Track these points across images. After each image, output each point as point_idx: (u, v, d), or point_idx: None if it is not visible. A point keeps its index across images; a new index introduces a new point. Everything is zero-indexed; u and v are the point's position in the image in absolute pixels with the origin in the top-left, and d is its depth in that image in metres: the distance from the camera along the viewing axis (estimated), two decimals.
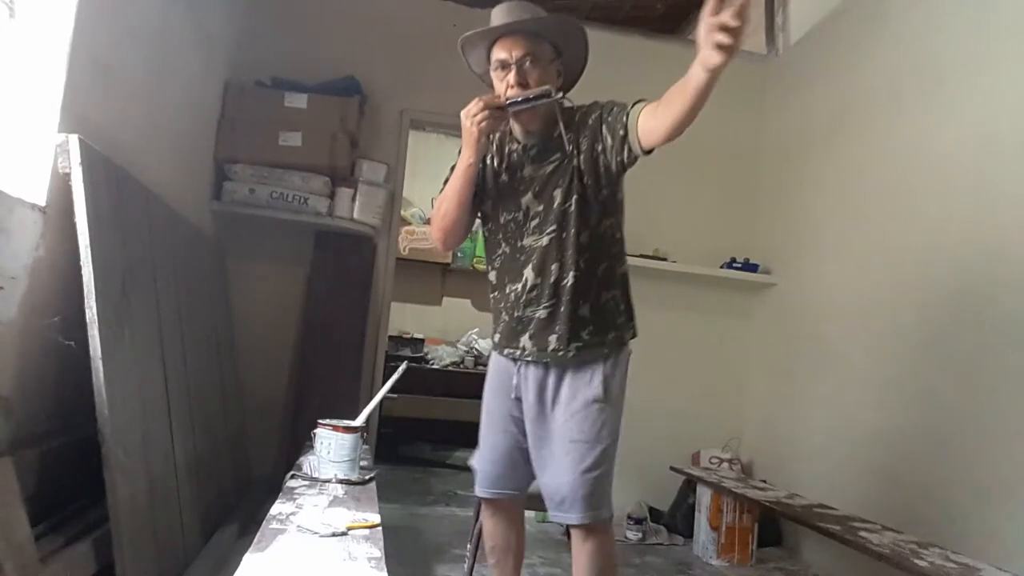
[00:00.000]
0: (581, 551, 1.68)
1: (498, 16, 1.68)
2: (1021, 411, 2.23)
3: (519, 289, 1.74)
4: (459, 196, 1.71)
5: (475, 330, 5.37)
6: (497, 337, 1.85)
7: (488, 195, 1.79)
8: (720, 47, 1.19)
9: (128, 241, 1.83)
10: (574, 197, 1.67)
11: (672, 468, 3.45)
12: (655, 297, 3.80)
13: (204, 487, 2.22)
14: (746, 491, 3.01)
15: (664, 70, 4.50)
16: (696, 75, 1.32)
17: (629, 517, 3.37)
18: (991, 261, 2.43)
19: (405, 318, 5.25)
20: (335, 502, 1.63)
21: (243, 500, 2.69)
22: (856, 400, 3.03)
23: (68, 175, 1.59)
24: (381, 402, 2.16)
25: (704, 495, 3.21)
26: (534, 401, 1.73)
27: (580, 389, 1.68)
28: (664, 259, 3.75)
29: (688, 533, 3.33)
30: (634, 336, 1.81)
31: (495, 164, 1.78)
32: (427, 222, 5.40)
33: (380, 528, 1.46)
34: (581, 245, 1.69)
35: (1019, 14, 2.45)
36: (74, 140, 1.60)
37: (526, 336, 1.73)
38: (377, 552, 1.30)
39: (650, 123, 1.52)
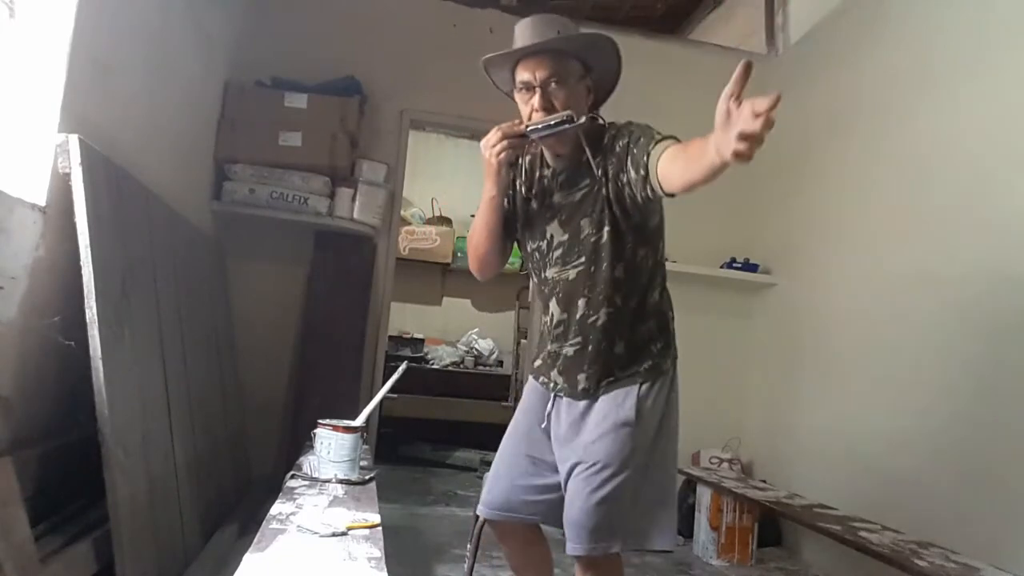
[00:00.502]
0: None
1: (522, 32, 1.55)
2: (1021, 411, 2.23)
3: (548, 322, 1.67)
4: (487, 229, 1.63)
5: (475, 330, 5.37)
6: (535, 364, 1.76)
7: (518, 222, 1.68)
8: (739, 151, 1.13)
9: (128, 241, 1.83)
10: (606, 228, 1.54)
11: None
12: None
13: (204, 487, 2.22)
14: (746, 491, 3.01)
15: (664, 70, 4.54)
16: (711, 155, 1.24)
17: None
18: (992, 260, 2.43)
19: (405, 318, 5.26)
20: (335, 502, 1.63)
21: (243, 500, 2.69)
22: (856, 400, 3.03)
23: (68, 175, 1.59)
24: (381, 402, 2.16)
25: (704, 495, 3.21)
26: (565, 430, 1.61)
27: (611, 411, 1.55)
28: (664, 259, 3.75)
29: (688, 533, 3.33)
30: (675, 360, 1.69)
31: (524, 191, 1.67)
32: (427, 222, 5.41)
33: (380, 528, 1.45)
34: (616, 280, 1.56)
35: (1018, 13, 2.45)
36: (74, 140, 1.60)
37: (555, 371, 1.64)
38: (377, 552, 1.30)
39: (668, 169, 1.40)
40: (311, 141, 3.16)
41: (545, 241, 1.64)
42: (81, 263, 1.55)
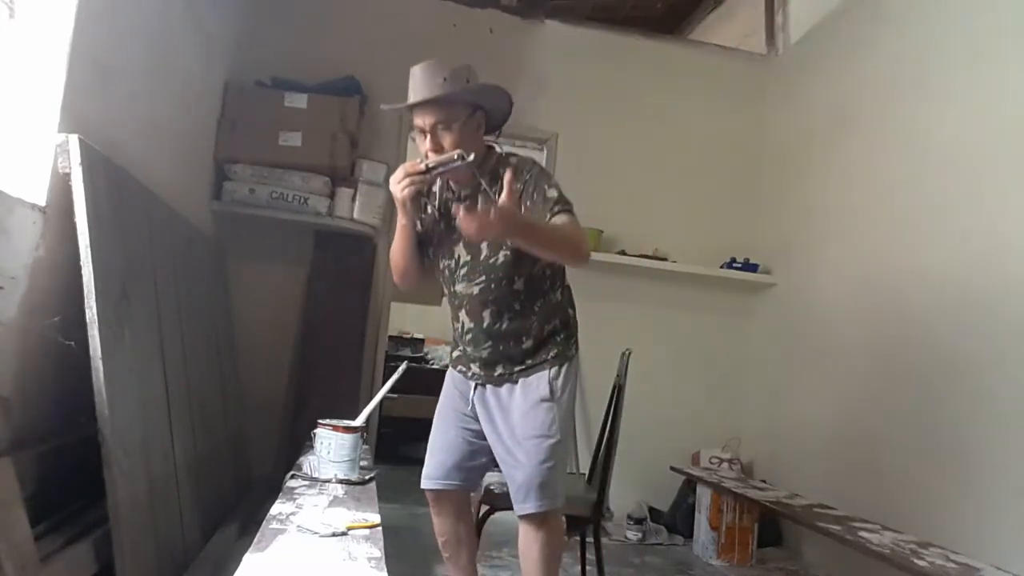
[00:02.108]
0: (534, 540, 1.75)
1: (411, 80, 1.71)
2: (1022, 411, 2.24)
3: (460, 329, 1.88)
4: (403, 252, 1.83)
5: None
6: (453, 355, 1.98)
7: (431, 242, 1.89)
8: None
9: (128, 241, 1.83)
10: (503, 251, 1.76)
11: (672, 468, 3.45)
12: (655, 297, 3.81)
13: (204, 487, 2.22)
14: (746, 491, 3.01)
15: (664, 70, 4.53)
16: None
17: (629, 517, 3.38)
18: (993, 260, 2.43)
19: (405, 318, 5.25)
20: (335, 502, 1.63)
21: (243, 500, 2.69)
22: (856, 400, 3.03)
23: (68, 175, 1.59)
24: (381, 402, 2.16)
25: (704, 495, 3.21)
26: (493, 409, 1.85)
27: (530, 392, 1.80)
28: (664, 259, 3.76)
29: (688, 533, 3.33)
30: (577, 346, 1.91)
31: (435, 213, 1.87)
32: None
33: (380, 528, 1.46)
34: (516, 291, 1.79)
35: (1018, 13, 2.45)
36: (74, 140, 1.60)
37: (475, 365, 1.87)
38: (377, 552, 1.30)
39: None
40: (311, 141, 3.16)
41: (453, 260, 1.84)
42: (81, 263, 1.55)
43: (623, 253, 3.73)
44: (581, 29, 3.96)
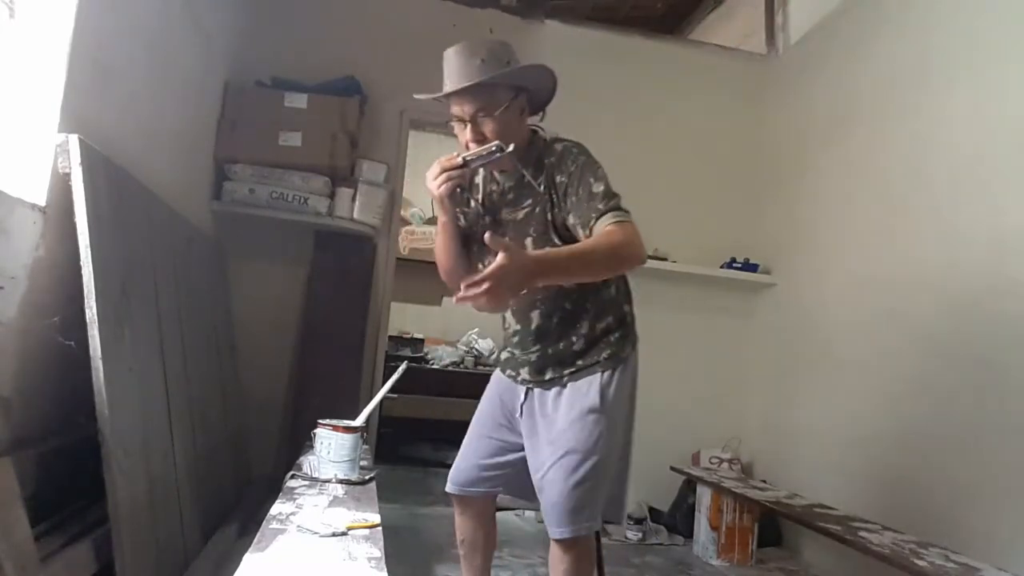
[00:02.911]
0: (560, 561, 1.64)
1: (446, 65, 1.61)
2: (1021, 411, 2.24)
3: (508, 331, 1.79)
4: (447, 251, 1.74)
5: (475, 330, 5.37)
6: (501, 356, 1.88)
7: (474, 238, 1.76)
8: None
9: (128, 241, 1.83)
10: (547, 248, 1.61)
11: (672, 468, 3.45)
12: (655, 297, 3.80)
13: (204, 487, 2.22)
14: (746, 491, 3.01)
15: (664, 70, 4.54)
16: None
17: (629, 517, 3.37)
18: (992, 259, 2.43)
19: (405, 318, 5.25)
20: (335, 502, 1.63)
21: (243, 500, 2.69)
22: (856, 400, 3.03)
23: (68, 175, 1.59)
24: (381, 402, 2.16)
25: (704, 495, 3.21)
26: (537, 417, 1.73)
27: (577, 400, 1.65)
28: (664, 259, 3.75)
29: (688, 533, 3.33)
30: (634, 345, 1.77)
31: (479, 207, 1.76)
32: (427, 222, 5.41)
33: (380, 528, 1.45)
34: (566, 290, 1.66)
35: (1017, 12, 2.45)
36: (74, 140, 1.60)
37: (524, 368, 1.76)
38: (377, 552, 1.30)
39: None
40: (311, 141, 3.16)
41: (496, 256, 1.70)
42: (81, 263, 1.55)
43: None
44: (581, 29, 3.96)
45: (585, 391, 1.65)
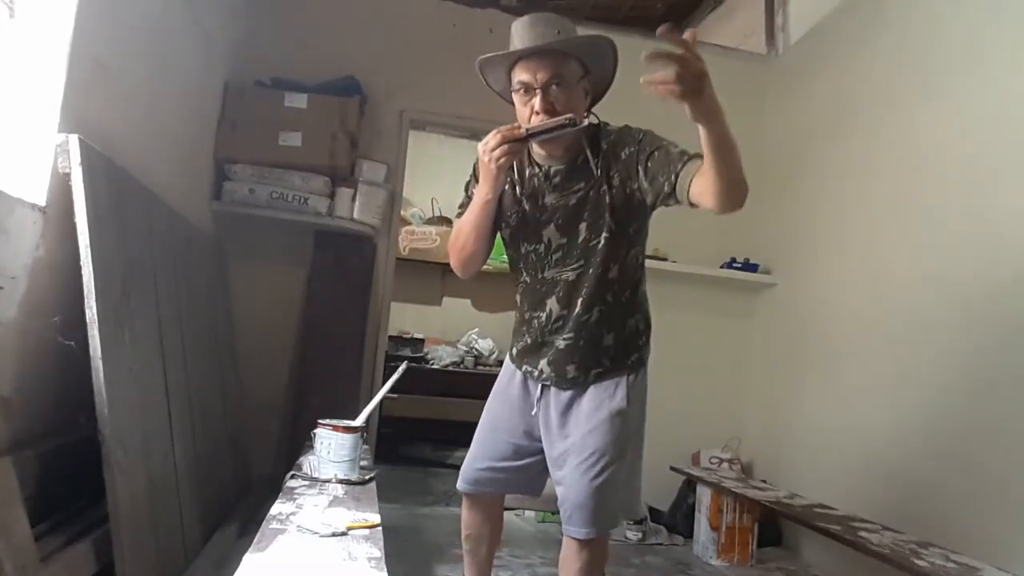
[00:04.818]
0: (574, 560, 1.63)
1: (520, 31, 1.53)
2: (1021, 411, 2.23)
3: (542, 318, 1.69)
4: (478, 230, 1.63)
5: (475, 330, 5.37)
6: (515, 352, 1.81)
7: (507, 223, 1.69)
8: (680, 92, 1.18)
9: (128, 241, 1.83)
10: (603, 234, 1.60)
11: (672, 468, 3.45)
12: (655, 297, 3.76)
13: (204, 487, 2.22)
14: (746, 491, 3.01)
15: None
16: (701, 132, 1.27)
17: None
18: (992, 259, 2.43)
19: (405, 318, 5.25)
20: (335, 502, 1.63)
21: (243, 500, 2.69)
22: (856, 400, 3.03)
23: (68, 175, 1.59)
24: (381, 402, 2.16)
25: (704, 495, 3.21)
26: (556, 417, 1.70)
27: (604, 401, 1.64)
28: (664, 259, 3.75)
29: (688, 533, 3.33)
30: (649, 349, 1.79)
31: (515, 191, 1.67)
32: (427, 222, 5.41)
33: (380, 528, 1.45)
34: (610, 280, 1.64)
35: (1018, 12, 2.45)
36: (74, 140, 1.60)
37: (545, 361, 1.70)
38: (377, 552, 1.30)
39: (700, 186, 1.45)
40: (311, 141, 3.16)
41: (543, 244, 1.66)
42: (81, 263, 1.55)
43: None
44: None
45: (612, 392, 1.64)
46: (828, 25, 3.66)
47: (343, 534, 1.37)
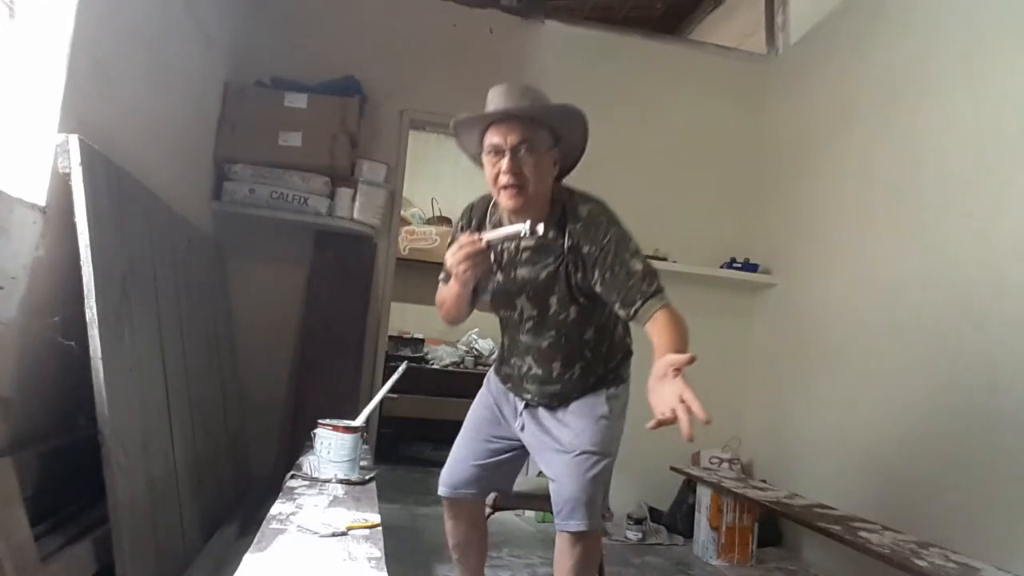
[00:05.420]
0: (568, 556, 1.68)
1: (495, 98, 1.60)
2: (1021, 411, 2.23)
3: (523, 369, 1.81)
4: (458, 305, 1.74)
5: (475, 330, 5.37)
6: (503, 373, 1.91)
7: (485, 289, 1.79)
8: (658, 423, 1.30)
9: (128, 241, 1.83)
10: (572, 307, 1.69)
11: (672, 468, 3.45)
12: None
13: (204, 487, 2.22)
14: (746, 491, 3.01)
15: (664, 70, 4.53)
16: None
17: (629, 517, 3.37)
18: (993, 260, 2.43)
19: (405, 318, 5.25)
20: (335, 502, 1.63)
21: (243, 500, 2.69)
22: (856, 400, 3.03)
23: (68, 175, 1.59)
24: (381, 402, 2.16)
25: (704, 495, 3.21)
26: (543, 420, 1.80)
27: (590, 408, 1.75)
28: (664, 259, 3.75)
29: (688, 533, 3.33)
30: (630, 361, 1.88)
31: (492, 265, 1.75)
32: (427, 222, 5.41)
33: (380, 528, 1.45)
34: (585, 341, 1.74)
35: (1017, 12, 2.45)
36: (74, 140, 1.60)
37: (528, 394, 1.83)
38: (377, 552, 1.30)
39: (654, 333, 1.54)
40: (311, 141, 3.16)
41: (516, 312, 1.76)
42: (81, 263, 1.55)
43: None
44: (581, 29, 3.96)
45: (594, 402, 1.76)
46: (828, 25, 3.66)
47: (343, 534, 1.37)
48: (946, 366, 2.56)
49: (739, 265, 3.82)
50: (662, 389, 1.30)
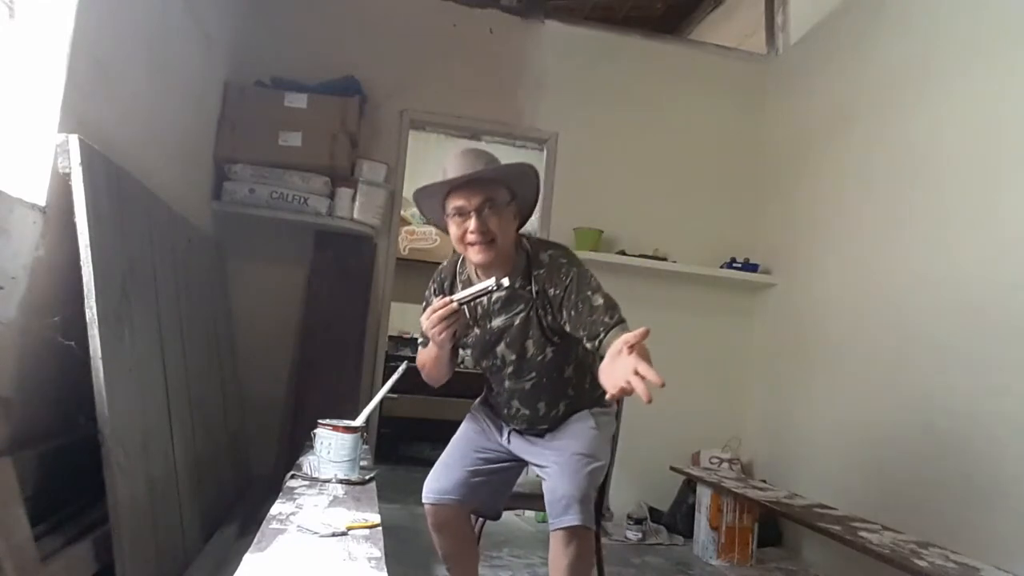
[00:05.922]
0: (563, 555, 1.69)
1: (454, 164, 1.69)
2: (1021, 411, 2.23)
3: (510, 411, 1.90)
4: (438, 366, 1.83)
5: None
6: (491, 402, 2.01)
7: (465, 344, 1.89)
8: (613, 396, 1.32)
9: (128, 241, 1.83)
10: (549, 348, 1.77)
11: (672, 468, 3.45)
12: (655, 297, 3.81)
13: (204, 487, 2.22)
14: (746, 491, 3.01)
15: (664, 70, 4.53)
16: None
17: (629, 517, 3.38)
18: (993, 260, 2.43)
19: (405, 318, 5.24)
20: (335, 502, 1.63)
21: (243, 500, 2.69)
22: (856, 400, 3.03)
23: (68, 175, 1.59)
24: (381, 402, 2.16)
25: (704, 495, 3.21)
26: (530, 442, 1.89)
27: (578, 422, 1.85)
28: (664, 259, 3.76)
29: (688, 533, 3.33)
30: None
31: (468, 320, 1.83)
32: (427, 222, 5.41)
33: (380, 528, 1.45)
34: (566, 379, 1.83)
35: (1018, 12, 2.45)
36: (74, 140, 1.60)
37: (520, 428, 1.92)
38: (377, 552, 1.30)
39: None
40: (311, 141, 3.16)
41: (497, 360, 1.84)
42: (81, 263, 1.55)
43: (623, 253, 3.73)
44: (581, 29, 3.96)
45: (581, 417, 1.86)
46: (828, 25, 3.66)
47: (343, 534, 1.37)
48: (946, 366, 2.56)
49: (739, 265, 3.82)
50: (615, 366, 1.33)
